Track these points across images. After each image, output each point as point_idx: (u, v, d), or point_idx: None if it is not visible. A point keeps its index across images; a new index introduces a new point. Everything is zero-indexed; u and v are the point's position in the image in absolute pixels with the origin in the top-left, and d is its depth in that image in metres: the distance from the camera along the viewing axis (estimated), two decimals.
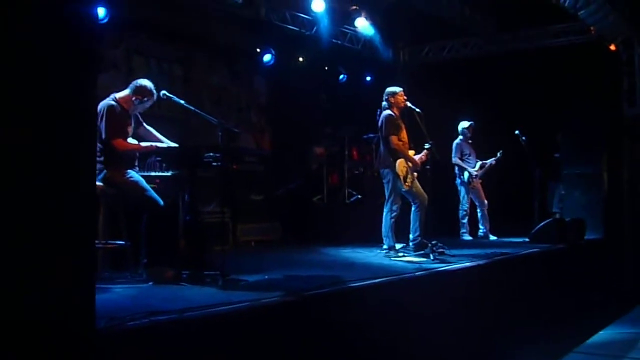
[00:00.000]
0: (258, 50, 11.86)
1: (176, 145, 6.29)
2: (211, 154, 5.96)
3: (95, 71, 3.67)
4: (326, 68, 13.20)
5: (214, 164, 5.97)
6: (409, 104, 8.20)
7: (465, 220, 11.18)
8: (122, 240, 6.02)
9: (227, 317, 4.21)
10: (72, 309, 3.28)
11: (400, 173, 7.88)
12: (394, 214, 8.10)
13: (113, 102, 6.03)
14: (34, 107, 3.13)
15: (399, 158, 7.92)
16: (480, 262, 7.47)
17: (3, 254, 2.98)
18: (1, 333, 2.96)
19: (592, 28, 11.17)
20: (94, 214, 3.62)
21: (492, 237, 11.05)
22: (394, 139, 7.97)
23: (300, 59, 12.59)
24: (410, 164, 7.98)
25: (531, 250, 9.17)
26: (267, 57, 11.86)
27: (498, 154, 11.21)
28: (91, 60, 3.57)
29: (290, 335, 4.56)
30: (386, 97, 8.29)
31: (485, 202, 11.15)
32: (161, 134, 6.42)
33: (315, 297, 5.05)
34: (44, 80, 3.19)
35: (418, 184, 8.09)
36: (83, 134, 3.38)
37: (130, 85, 6.26)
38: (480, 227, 11.19)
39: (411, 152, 8.19)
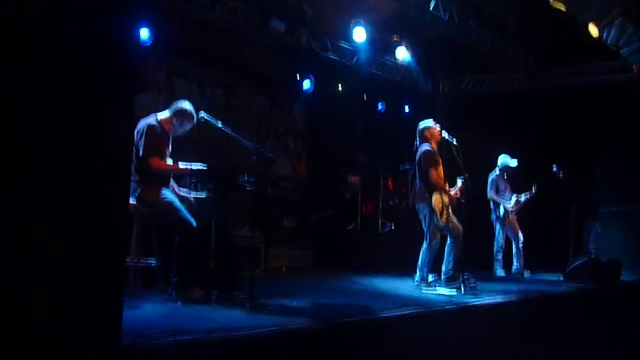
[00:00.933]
0: (298, 77, 11.95)
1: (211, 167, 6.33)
2: (245, 177, 6.00)
3: (133, 93, 3.71)
4: (365, 97, 13.24)
5: (248, 187, 6.02)
6: (445, 135, 8.14)
7: (499, 256, 11.02)
8: (154, 259, 6.07)
9: (252, 340, 4.21)
10: (99, 325, 3.32)
11: (436, 208, 7.81)
12: (434, 249, 8.01)
13: (154, 122, 6.10)
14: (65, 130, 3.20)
15: (436, 193, 7.85)
16: (512, 299, 7.39)
17: (31, 269, 3.03)
18: (27, 347, 3.00)
19: (634, 67, 11.06)
20: (125, 233, 3.65)
21: (527, 274, 10.89)
22: (433, 173, 7.89)
23: (340, 88, 12.66)
24: (446, 199, 7.91)
25: (565, 289, 9.03)
26: (306, 85, 11.95)
27: (533, 189, 11.06)
28: (128, 82, 3.63)
29: None
30: (420, 132, 8.19)
31: (521, 237, 10.99)
32: (199, 156, 6.47)
33: (342, 326, 5.03)
34: (79, 103, 3.27)
35: (454, 217, 8.01)
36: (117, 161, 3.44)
37: (171, 107, 6.32)
38: (515, 262, 11.03)
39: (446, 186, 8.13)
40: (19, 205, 3.01)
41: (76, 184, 3.22)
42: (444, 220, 7.82)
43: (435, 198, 7.82)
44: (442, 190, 7.90)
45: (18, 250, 3.00)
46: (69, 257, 3.18)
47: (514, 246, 11.04)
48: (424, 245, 8.07)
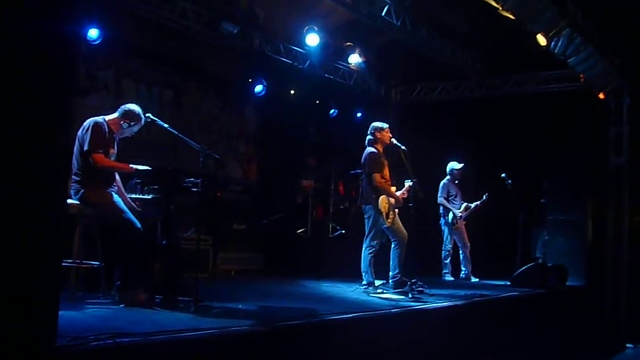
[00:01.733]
0: (250, 80, 11.90)
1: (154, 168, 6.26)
2: (191, 179, 5.95)
3: (70, 90, 3.64)
4: (317, 102, 13.25)
5: (194, 189, 5.96)
6: (394, 140, 8.22)
7: (447, 261, 11.16)
8: (97, 261, 5.97)
9: (193, 343, 4.17)
10: (31, 326, 3.25)
11: (382, 209, 7.87)
12: (373, 249, 8.07)
13: (102, 121, 6.01)
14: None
15: (382, 195, 7.92)
16: (458, 303, 7.45)
17: None
18: None
19: (581, 76, 11.27)
20: (61, 231, 3.57)
21: (474, 279, 11.02)
22: (376, 176, 7.97)
23: (292, 92, 12.66)
24: (392, 201, 7.98)
25: (511, 294, 9.15)
26: (258, 88, 11.89)
27: (484, 197, 11.21)
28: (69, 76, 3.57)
29: None
30: (372, 132, 8.29)
31: (468, 244, 11.14)
32: (147, 158, 6.41)
33: (286, 328, 5.02)
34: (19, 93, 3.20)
35: (399, 221, 8.08)
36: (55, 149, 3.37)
37: (119, 109, 6.25)
38: (463, 268, 11.16)
39: (392, 189, 8.19)
40: None
41: (7, 183, 3.15)
42: (389, 222, 7.88)
43: (382, 199, 7.88)
44: (388, 193, 7.96)
45: None
46: None
47: (461, 252, 11.17)
48: (364, 245, 8.12)
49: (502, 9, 8.42)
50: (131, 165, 6.03)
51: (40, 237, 3.28)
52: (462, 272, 11.14)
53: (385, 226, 7.93)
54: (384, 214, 7.85)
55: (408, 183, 8.19)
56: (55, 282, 3.47)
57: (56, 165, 3.43)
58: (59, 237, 3.53)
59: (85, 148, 5.77)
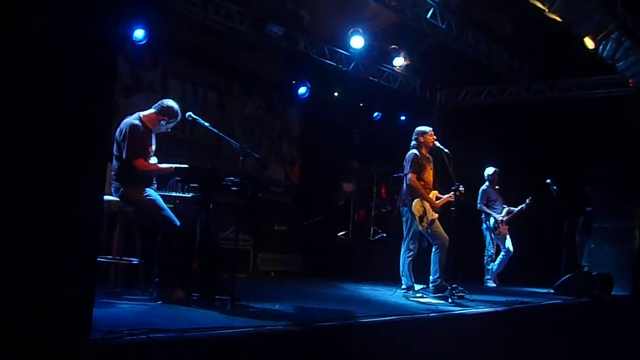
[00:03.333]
0: (294, 82, 11.93)
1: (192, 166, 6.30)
2: (231, 178, 5.96)
3: (110, 91, 3.67)
4: (361, 104, 13.22)
5: (233, 188, 5.97)
6: (437, 143, 8.16)
7: (490, 266, 11.02)
8: (137, 258, 6.02)
9: (227, 340, 4.16)
10: (67, 319, 3.28)
11: (416, 213, 7.81)
12: (411, 253, 8.01)
13: (137, 122, 6.02)
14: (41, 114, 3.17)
15: (416, 197, 7.85)
16: (499, 309, 7.34)
17: None
18: None
19: (630, 80, 11.02)
20: (97, 228, 3.60)
21: (492, 284, 10.87)
22: (412, 177, 7.93)
23: (336, 94, 12.64)
24: (427, 206, 7.89)
25: (554, 302, 8.98)
26: (302, 90, 11.92)
27: (527, 201, 11.04)
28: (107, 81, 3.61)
29: None
30: (415, 136, 8.26)
31: (512, 249, 10.97)
32: (191, 158, 6.43)
33: (321, 330, 4.98)
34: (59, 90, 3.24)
35: (439, 225, 7.99)
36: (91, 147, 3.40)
37: (156, 105, 6.26)
38: (493, 267, 11.03)
39: (434, 193, 8.11)
40: None
41: (47, 181, 3.19)
42: (423, 226, 7.81)
43: (416, 203, 7.82)
44: (423, 196, 7.88)
45: None
46: (36, 253, 3.14)
47: (501, 255, 11.02)
48: (402, 249, 8.06)
49: (549, 11, 8.29)
50: (170, 165, 6.07)
51: (76, 233, 3.31)
52: (491, 270, 11.01)
53: (421, 230, 7.86)
54: (417, 217, 7.79)
55: (453, 188, 8.09)
56: (91, 278, 3.50)
57: (92, 163, 3.45)
58: (95, 233, 3.56)
59: (125, 156, 5.82)
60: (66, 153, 3.26)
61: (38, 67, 3.17)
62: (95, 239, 3.57)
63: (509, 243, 10.98)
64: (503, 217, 10.95)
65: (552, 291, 10.13)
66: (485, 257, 11.03)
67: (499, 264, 11.02)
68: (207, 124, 6.23)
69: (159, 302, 5.60)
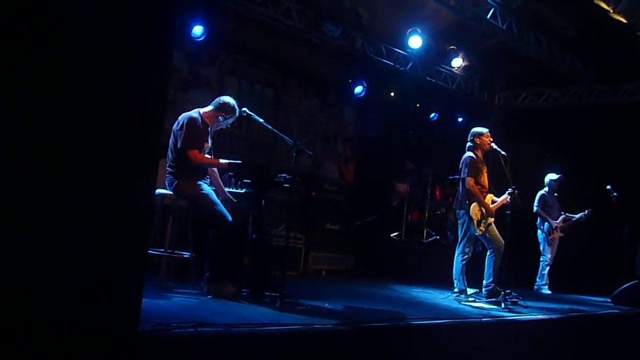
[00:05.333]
0: (350, 81, 11.88)
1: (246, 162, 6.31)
2: (284, 174, 5.95)
3: (165, 89, 3.69)
4: (418, 105, 13.08)
5: (286, 185, 5.96)
6: (494, 145, 8.00)
7: (545, 272, 10.78)
8: (188, 252, 6.05)
9: (274, 337, 4.15)
10: (116, 311, 3.30)
11: (474, 217, 7.68)
12: (465, 256, 7.88)
13: (196, 115, 6.09)
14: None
15: (474, 201, 7.72)
16: (553, 317, 7.18)
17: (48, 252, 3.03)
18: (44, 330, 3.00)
19: None
20: (147, 221, 3.62)
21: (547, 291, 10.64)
22: (470, 180, 7.78)
23: (392, 94, 12.54)
24: (484, 210, 7.75)
25: (611, 311, 8.73)
26: (358, 89, 11.85)
27: (586, 211, 10.77)
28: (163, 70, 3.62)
29: None
30: (471, 138, 8.12)
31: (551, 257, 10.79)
32: (247, 155, 6.44)
33: (370, 330, 4.93)
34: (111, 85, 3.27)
35: (495, 229, 7.84)
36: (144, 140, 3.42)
37: (214, 101, 6.31)
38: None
39: (490, 196, 7.96)
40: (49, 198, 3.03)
41: (99, 173, 3.21)
42: (481, 230, 7.67)
43: (474, 207, 7.69)
44: (480, 201, 7.73)
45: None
46: (87, 245, 3.17)
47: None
48: (456, 252, 7.94)
49: (614, 12, 8.05)
50: (223, 161, 6.08)
51: (126, 224, 3.33)
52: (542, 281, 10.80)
53: (477, 234, 7.73)
54: (475, 221, 7.66)
55: (509, 191, 7.93)
56: (140, 270, 3.51)
57: (144, 157, 3.46)
58: (145, 225, 3.58)
59: (179, 146, 5.87)
60: (118, 145, 3.28)
61: (96, 64, 3.20)
62: (145, 231, 3.58)
63: (554, 251, 10.78)
64: (558, 224, 10.72)
65: (609, 300, 9.85)
66: (542, 263, 10.80)
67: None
68: (261, 120, 6.24)
69: (208, 297, 5.62)
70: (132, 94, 3.38)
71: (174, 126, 6.00)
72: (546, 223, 10.74)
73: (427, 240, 11.56)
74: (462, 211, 7.89)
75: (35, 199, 2.99)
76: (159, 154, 3.73)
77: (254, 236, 6.07)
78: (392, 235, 11.67)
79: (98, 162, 3.21)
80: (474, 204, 7.71)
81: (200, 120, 6.08)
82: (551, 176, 10.95)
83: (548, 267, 10.78)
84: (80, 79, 3.13)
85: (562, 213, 10.82)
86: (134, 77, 3.37)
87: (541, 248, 10.86)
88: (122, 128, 3.32)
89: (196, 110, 6.21)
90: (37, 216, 2.99)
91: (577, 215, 10.83)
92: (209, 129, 6.23)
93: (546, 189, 10.94)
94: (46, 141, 3.01)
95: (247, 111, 6.25)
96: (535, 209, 10.80)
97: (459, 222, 7.99)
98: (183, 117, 6.03)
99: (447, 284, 8.28)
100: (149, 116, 3.46)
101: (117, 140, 3.29)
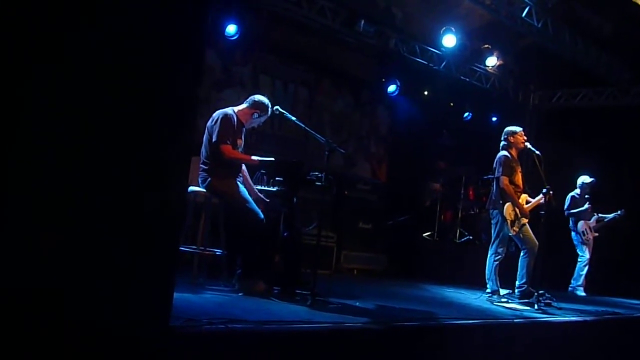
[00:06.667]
0: (383, 80, 11.85)
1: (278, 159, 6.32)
2: (316, 173, 5.96)
3: (197, 82, 3.71)
4: (451, 104, 13.00)
5: (318, 183, 5.97)
6: (528, 145, 7.91)
7: (584, 272, 10.61)
8: (220, 249, 6.09)
9: (304, 335, 4.16)
10: (147, 306, 3.34)
11: (508, 217, 7.60)
12: (499, 257, 7.81)
13: (231, 112, 6.13)
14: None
15: (508, 201, 7.65)
16: (587, 319, 7.08)
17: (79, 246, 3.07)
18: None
19: None
20: (179, 217, 3.65)
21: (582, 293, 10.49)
22: (504, 179, 7.71)
23: (426, 93, 12.49)
24: (517, 210, 7.67)
25: None
26: (392, 88, 11.82)
27: (619, 212, 10.62)
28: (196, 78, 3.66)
29: None
30: (505, 137, 8.04)
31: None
32: (279, 153, 6.44)
33: (401, 329, 4.91)
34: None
35: (529, 229, 7.76)
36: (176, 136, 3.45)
37: (248, 99, 6.34)
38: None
39: (524, 196, 7.88)
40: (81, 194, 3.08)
41: (130, 168, 3.25)
42: (515, 230, 7.60)
43: (507, 206, 7.61)
44: (514, 201, 7.66)
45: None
46: (118, 242, 3.21)
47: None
48: (489, 252, 7.87)
49: None
50: (255, 157, 6.10)
51: (158, 221, 3.35)
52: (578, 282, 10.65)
53: (511, 234, 7.66)
54: (508, 221, 7.59)
55: (544, 191, 7.83)
56: (171, 266, 3.54)
57: (176, 153, 3.49)
58: (176, 221, 3.61)
59: (214, 139, 5.89)
60: (149, 142, 3.31)
61: (130, 60, 3.24)
62: (176, 227, 3.61)
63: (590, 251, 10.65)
64: (592, 224, 10.59)
65: None
66: (579, 264, 10.65)
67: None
68: (293, 118, 6.24)
69: (240, 294, 5.64)
70: (164, 90, 3.40)
71: (209, 122, 6.03)
72: (579, 224, 10.61)
73: (460, 241, 11.49)
74: (495, 211, 7.82)
75: (67, 196, 3.03)
76: (190, 151, 3.75)
77: (285, 234, 6.09)
78: (424, 235, 11.63)
79: (129, 158, 3.24)
80: (507, 204, 7.64)
81: (235, 116, 6.12)
82: (584, 178, 10.79)
83: (586, 268, 10.62)
84: (112, 73, 3.17)
85: (595, 214, 10.68)
86: (165, 74, 3.40)
87: (577, 250, 10.72)
88: (154, 124, 3.35)
89: (230, 108, 6.25)
90: (69, 213, 3.03)
91: (610, 216, 10.69)
92: (243, 127, 6.26)
93: (577, 190, 10.80)
94: (77, 138, 3.05)
95: (280, 109, 6.26)
96: (566, 211, 10.68)
97: (492, 222, 7.92)
98: (218, 113, 6.07)
99: (480, 285, 8.22)
100: (180, 112, 3.48)
101: (148, 136, 3.32)
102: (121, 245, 3.23)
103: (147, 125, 3.31)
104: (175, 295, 3.54)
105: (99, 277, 3.15)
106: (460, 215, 11.71)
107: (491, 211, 7.95)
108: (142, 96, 3.30)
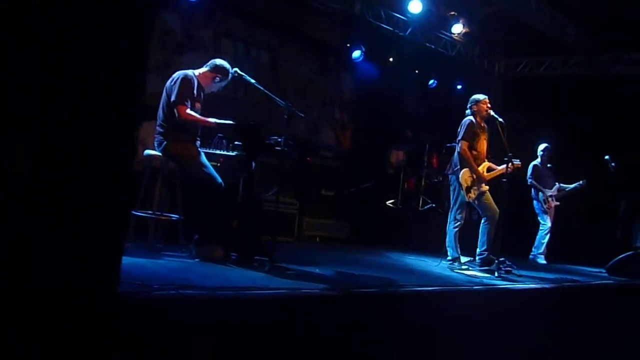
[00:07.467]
0: (348, 45, 11.69)
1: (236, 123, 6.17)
2: (274, 137, 5.85)
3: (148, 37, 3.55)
4: (416, 71, 12.90)
5: (277, 148, 5.86)
6: (491, 112, 7.86)
7: (545, 240, 10.69)
8: (177, 214, 5.96)
9: (258, 301, 4.07)
10: (94, 270, 3.22)
11: (464, 183, 7.58)
12: (458, 223, 7.79)
13: (191, 74, 5.98)
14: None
15: (465, 167, 7.61)
16: (546, 286, 7.12)
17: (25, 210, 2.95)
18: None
19: None
20: (127, 183, 3.52)
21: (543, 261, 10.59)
22: (463, 144, 7.67)
23: (391, 59, 12.36)
24: (474, 176, 7.63)
25: (604, 282, 8.69)
26: (356, 54, 11.65)
27: (580, 182, 10.69)
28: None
29: (325, 330, 4.38)
30: (469, 105, 7.99)
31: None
32: (241, 119, 6.29)
33: (359, 295, 4.86)
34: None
35: (490, 196, 7.73)
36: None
37: (209, 63, 6.20)
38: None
39: (486, 164, 7.84)
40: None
41: (75, 127, 3.11)
42: (470, 197, 7.57)
43: (464, 172, 7.59)
44: (471, 167, 7.62)
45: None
46: (61, 205, 3.08)
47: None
48: (449, 219, 7.86)
49: None
50: (212, 120, 5.93)
51: (104, 185, 3.23)
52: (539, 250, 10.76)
53: (470, 200, 7.63)
54: (464, 187, 7.57)
55: (517, 162, 7.79)
56: (120, 230, 3.42)
57: (124, 112, 3.35)
58: (123, 186, 3.47)
59: (172, 99, 5.74)
60: (94, 101, 3.16)
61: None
62: (124, 189, 3.47)
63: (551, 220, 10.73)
64: (552, 193, 10.65)
65: (604, 271, 9.81)
66: (540, 232, 10.73)
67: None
68: (252, 80, 6.11)
69: (196, 260, 5.55)
70: (113, 47, 3.25)
71: (168, 83, 5.88)
72: (540, 193, 10.68)
73: (423, 209, 11.47)
74: (453, 177, 7.80)
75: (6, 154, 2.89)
76: (141, 113, 3.60)
77: (244, 200, 5.98)
78: (387, 202, 11.59)
79: (74, 118, 3.10)
80: (464, 170, 7.61)
81: (195, 80, 5.97)
82: (541, 146, 10.91)
83: (548, 236, 10.70)
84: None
85: (557, 183, 10.74)
86: (114, 31, 3.25)
87: (539, 218, 10.79)
88: (100, 85, 3.20)
89: (191, 70, 6.10)
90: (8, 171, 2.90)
91: (572, 186, 10.76)
92: (202, 91, 6.11)
93: (538, 159, 10.88)
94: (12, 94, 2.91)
95: (239, 71, 6.13)
96: (528, 180, 10.74)
97: (450, 188, 7.91)
98: (178, 74, 5.93)
99: (442, 253, 8.22)
100: (129, 71, 3.34)
101: (94, 96, 3.17)
102: (65, 209, 3.10)
103: (87, 80, 3.15)
104: (130, 261, 3.46)
105: (41, 241, 3.02)
106: (423, 183, 11.68)
107: (450, 177, 7.94)
108: (88, 52, 3.14)
